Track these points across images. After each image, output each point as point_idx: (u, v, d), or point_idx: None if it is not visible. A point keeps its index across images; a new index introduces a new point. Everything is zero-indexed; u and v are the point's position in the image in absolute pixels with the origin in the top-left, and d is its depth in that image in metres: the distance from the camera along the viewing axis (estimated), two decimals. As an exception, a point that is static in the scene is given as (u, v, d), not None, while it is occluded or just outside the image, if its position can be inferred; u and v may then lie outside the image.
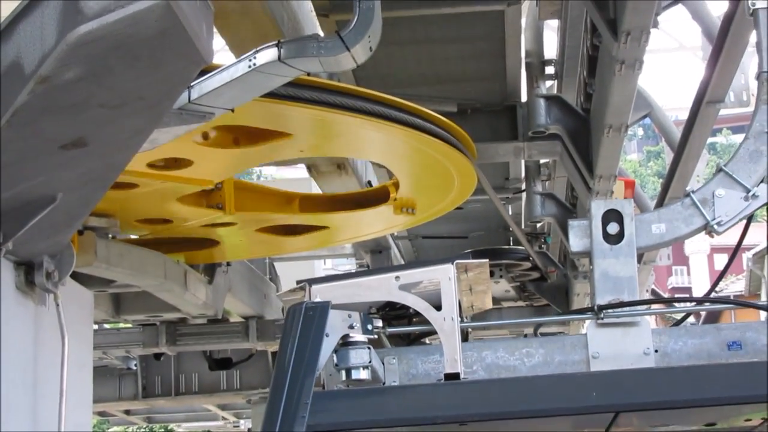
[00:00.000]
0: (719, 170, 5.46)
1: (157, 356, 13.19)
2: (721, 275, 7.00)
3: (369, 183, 9.20)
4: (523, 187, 11.96)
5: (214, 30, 4.64)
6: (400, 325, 5.57)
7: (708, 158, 13.09)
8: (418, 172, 7.40)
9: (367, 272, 6.06)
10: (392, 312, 5.51)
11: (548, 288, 13.97)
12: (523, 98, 9.50)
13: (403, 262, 15.26)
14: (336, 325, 4.97)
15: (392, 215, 8.17)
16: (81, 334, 5.93)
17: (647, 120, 10.96)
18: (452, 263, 5.14)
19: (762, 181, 5.42)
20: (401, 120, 6.35)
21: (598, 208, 5.40)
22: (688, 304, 7.20)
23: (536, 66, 9.42)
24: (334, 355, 4.96)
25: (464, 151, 7.04)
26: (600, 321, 5.33)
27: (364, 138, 6.73)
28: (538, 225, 12.84)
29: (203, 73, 4.82)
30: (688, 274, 71.45)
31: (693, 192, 5.47)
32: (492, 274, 12.96)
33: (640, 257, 5.82)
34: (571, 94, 9.59)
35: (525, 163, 11.39)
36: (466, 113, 9.30)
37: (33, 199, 4.61)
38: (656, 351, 5.32)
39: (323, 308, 4.94)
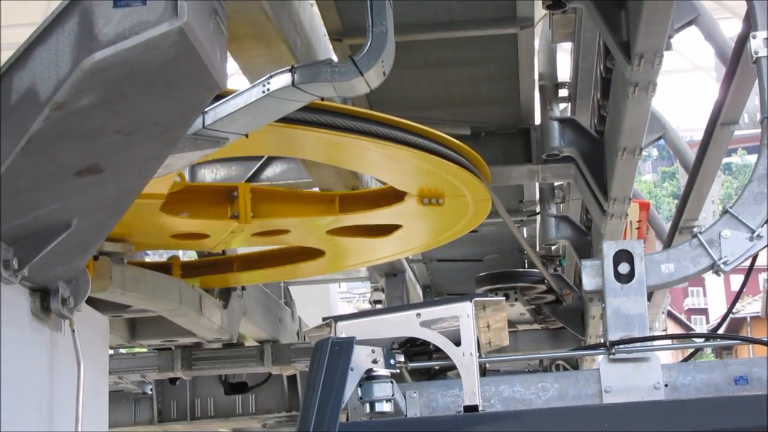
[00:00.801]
0: (725, 212, 5.66)
1: (173, 381, 13.17)
2: (736, 298, 7.09)
3: None
4: (538, 209, 11.95)
5: (228, 54, 4.66)
6: (421, 360, 5.79)
7: (723, 179, 13.06)
8: (428, 188, 7.40)
9: (389, 309, 6.42)
10: (413, 348, 5.74)
11: (563, 310, 13.94)
12: (537, 121, 9.49)
13: (417, 286, 15.27)
14: (360, 360, 5.16)
15: (404, 240, 8.23)
16: (96, 359, 5.94)
17: (662, 140, 10.95)
18: (471, 301, 5.34)
19: (766, 222, 5.61)
20: (415, 143, 6.36)
21: (609, 248, 5.63)
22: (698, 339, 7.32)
23: (550, 88, 9.41)
24: (359, 389, 5.15)
25: (478, 174, 7.04)
26: (612, 356, 5.53)
27: (378, 162, 6.74)
28: (553, 247, 12.83)
29: (217, 98, 4.83)
30: (704, 295, 71.35)
31: (700, 233, 5.67)
32: (507, 296, 13.01)
33: (650, 294, 6.01)
34: (585, 116, 9.59)
35: (539, 185, 11.38)
36: (479, 136, 9.31)
37: (48, 225, 4.62)
38: (666, 385, 5.50)
39: (348, 344, 5.14)
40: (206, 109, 4.89)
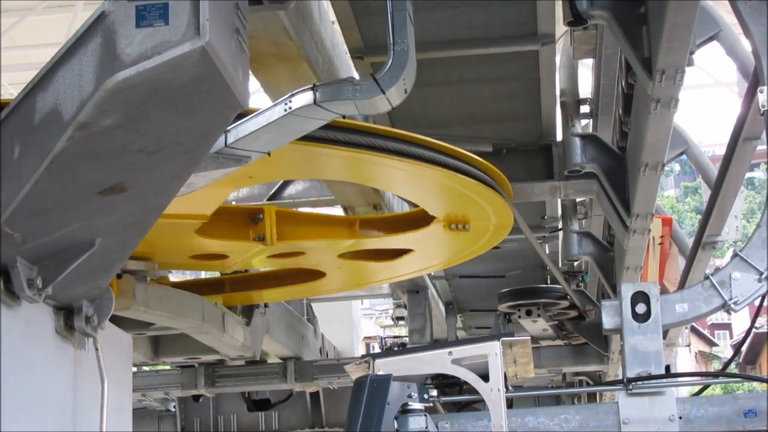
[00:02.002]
0: (735, 255, 6.14)
1: (196, 398, 13.21)
2: (756, 314, 7.35)
3: None
4: (560, 225, 11.93)
5: (250, 73, 4.67)
6: (452, 392, 6.24)
7: (746, 194, 13.02)
8: (455, 213, 7.40)
9: (423, 347, 7.14)
10: (445, 380, 6.19)
11: (586, 326, 13.87)
12: (559, 137, 9.47)
13: (440, 302, 15.25)
14: (397, 395, 5.72)
15: (426, 257, 8.25)
16: (120, 377, 5.95)
17: (684, 155, 10.90)
18: (498, 340, 5.84)
19: None
20: (437, 160, 6.36)
21: (627, 290, 6.16)
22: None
23: (571, 105, 9.39)
24: (395, 421, 5.66)
25: (500, 190, 7.04)
26: (630, 391, 6.05)
27: (400, 179, 6.75)
28: (576, 263, 12.79)
29: (239, 116, 4.85)
30: (728, 310, 70.92)
31: (712, 275, 6.16)
32: (529, 313, 12.97)
33: (665, 332, 6.71)
34: (607, 132, 9.57)
35: (561, 201, 11.36)
36: (501, 153, 9.30)
37: (72, 244, 4.64)
38: (680, 417, 5.99)
39: (386, 380, 5.71)
40: (228, 128, 4.90)
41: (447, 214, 7.22)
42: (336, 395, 13.52)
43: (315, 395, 13.38)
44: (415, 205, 7.60)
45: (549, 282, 14.71)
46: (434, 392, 6.02)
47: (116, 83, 3.82)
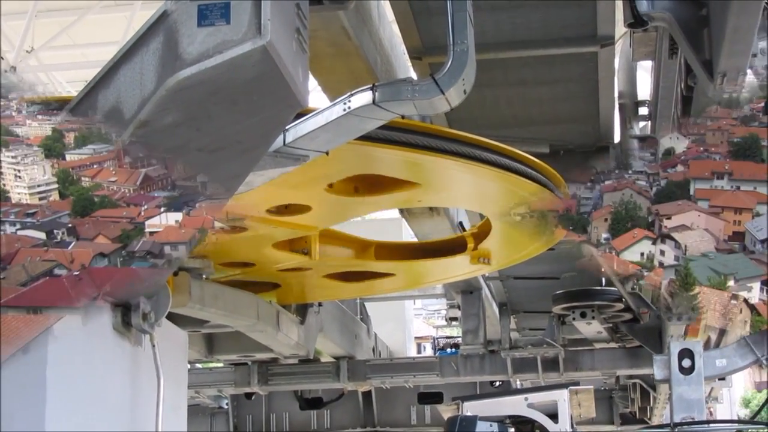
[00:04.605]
0: None
1: (249, 396, 13.25)
2: None
3: (461, 224, 9.18)
4: (616, 228, 11.83)
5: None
6: (525, 430, 7.67)
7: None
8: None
9: (503, 393, 8.99)
10: (520, 419, 7.62)
11: (641, 329, 13.72)
12: (617, 139, 9.42)
13: (494, 303, 15.20)
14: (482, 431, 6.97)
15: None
16: (176, 374, 5.98)
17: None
18: (567, 389, 7.59)
19: None
20: (493, 161, 6.33)
21: (675, 347, 7.41)
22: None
23: (630, 107, 9.34)
24: None
25: (556, 192, 7.01)
26: None
27: (457, 180, 6.73)
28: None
29: (298, 116, 4.84)
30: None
31: (747, 336, 7.25)
32: (584, 315, 12.89)
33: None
34: (666, 134, 9.50)
35: (618, 203, 11.28)
36: (558, 154, 9.25)
37: (131, 241, 4.67)
38: None
39: (473, 420, 7.11)
40: (287, 127, 4.90)
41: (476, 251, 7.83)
42: (388, 395, 13.52)
43: (367, 394, 13.38)
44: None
45: (604, 284, 14.61)
46: (512, 430, 7.33)
47: (177, 82, 3.83)
